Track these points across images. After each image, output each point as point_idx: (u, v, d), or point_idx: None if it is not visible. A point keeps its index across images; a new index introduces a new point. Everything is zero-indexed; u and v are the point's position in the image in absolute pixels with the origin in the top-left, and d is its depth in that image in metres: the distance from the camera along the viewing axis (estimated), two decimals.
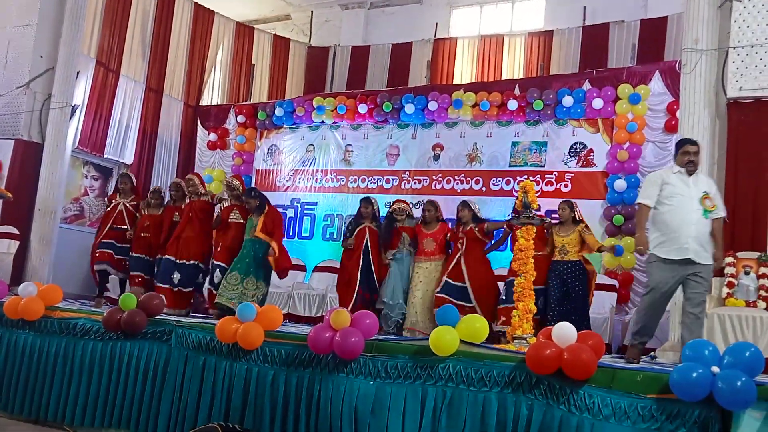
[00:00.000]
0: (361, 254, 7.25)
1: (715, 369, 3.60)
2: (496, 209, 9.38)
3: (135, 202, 7.96)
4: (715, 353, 3.75)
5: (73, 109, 9.29)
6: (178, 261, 7.41)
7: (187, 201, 7.64)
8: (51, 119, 8.94)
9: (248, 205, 7.21)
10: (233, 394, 5.16)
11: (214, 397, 5.25)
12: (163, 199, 7.96)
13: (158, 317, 5.92)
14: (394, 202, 7.64)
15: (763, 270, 5.60)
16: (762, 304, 5.47)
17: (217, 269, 7.24)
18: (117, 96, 10.56)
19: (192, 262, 7.45)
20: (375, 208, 7.50)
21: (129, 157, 10.89)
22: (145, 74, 11.13)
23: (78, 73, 9.40)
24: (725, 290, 5.61)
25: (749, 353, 3.65)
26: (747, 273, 5.63)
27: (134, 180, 8.40)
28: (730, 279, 5.62)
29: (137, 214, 7.89)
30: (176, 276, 7.38)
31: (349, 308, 6.69)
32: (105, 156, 10.50)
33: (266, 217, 7.11)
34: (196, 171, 11.67)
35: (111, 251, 7.80)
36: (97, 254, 7.85)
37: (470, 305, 6.64)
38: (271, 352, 5.12)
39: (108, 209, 8.02)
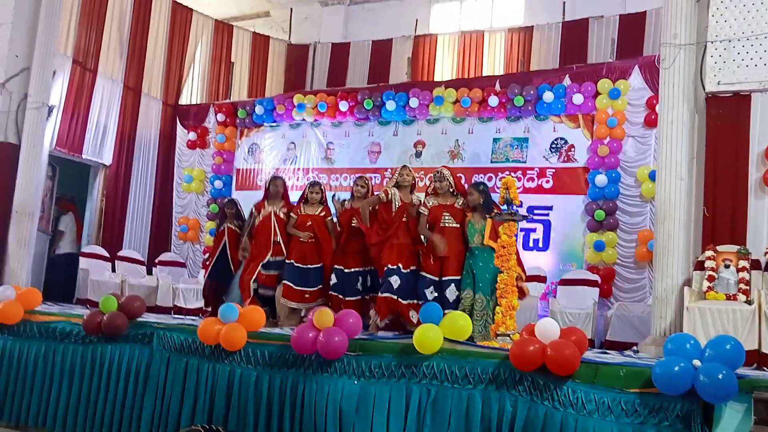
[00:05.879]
0: None
1: (697, 362, 3.63)
2: None
3: (286, 209, 6.99)
4: (697, 347, 3.78)
5: (50, 110, 9.13)
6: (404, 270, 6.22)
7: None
8: (27, 120, 8.77)
9: (471, 199, 5.98)
10: (216, 395, 5.13)
11: (197, 399, 5.22)
12: (323, 194, 6.99)
13: (139, 319, 5.87)
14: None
15: (742, 263, 5.63)
16: (742, 297, 5.50)
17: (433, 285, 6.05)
18: (94, 96, 10.42)
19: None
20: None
21: (108, 158, 10.77)
22: (123, 73, 10.99)
23: (54, 72, 9.24)
24: (705, 284, 5.63)
25: (730, 346, 3.69)
26: (727, 266, 5.66)
27: (286, 184, 7.38)
28: (710, 272, 5.65)
29: (287, 218, 6.94)
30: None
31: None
32: (83, 157, 10.38)
33: (494, 221, 5.75)
34: (176, 171, 11.61)
35: (271, 270, 6.91)
36: (264, 277, 6.88)
37: None
38: (254, 352, 5.09)
39: (257, 222, 7.00)
